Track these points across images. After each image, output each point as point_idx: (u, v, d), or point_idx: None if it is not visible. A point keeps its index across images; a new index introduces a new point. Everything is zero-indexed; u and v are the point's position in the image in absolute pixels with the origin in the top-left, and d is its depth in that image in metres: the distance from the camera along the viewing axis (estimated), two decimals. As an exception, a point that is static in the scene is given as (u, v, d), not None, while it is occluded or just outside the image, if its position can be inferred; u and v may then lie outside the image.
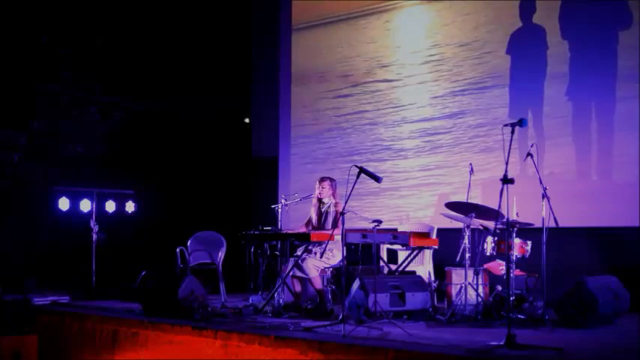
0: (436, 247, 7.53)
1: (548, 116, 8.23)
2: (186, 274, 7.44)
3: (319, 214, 7.65)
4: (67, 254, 9.59)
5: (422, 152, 9.14)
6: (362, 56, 9.74)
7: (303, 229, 7.62)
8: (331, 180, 7.63)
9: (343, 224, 6.32)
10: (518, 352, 4.97)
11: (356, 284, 6.68)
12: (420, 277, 7.17)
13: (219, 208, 10.37)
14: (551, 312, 6.32)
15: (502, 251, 6.50)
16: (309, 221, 7.73)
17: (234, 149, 11.13)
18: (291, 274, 7.31)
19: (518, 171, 7.72)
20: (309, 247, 7.35)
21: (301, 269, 7.27)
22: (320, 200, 7.65)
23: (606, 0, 8.00)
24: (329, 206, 7.58)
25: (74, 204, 9.41)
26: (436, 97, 9.09)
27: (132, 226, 10.07)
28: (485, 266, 6.95)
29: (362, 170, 6.32)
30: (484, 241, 6.65)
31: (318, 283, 7.33)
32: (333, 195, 7.58)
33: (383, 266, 7.69)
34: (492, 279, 7.04)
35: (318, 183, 7.63)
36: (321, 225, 7.57)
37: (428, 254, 7.82)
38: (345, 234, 6.52)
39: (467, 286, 6.68)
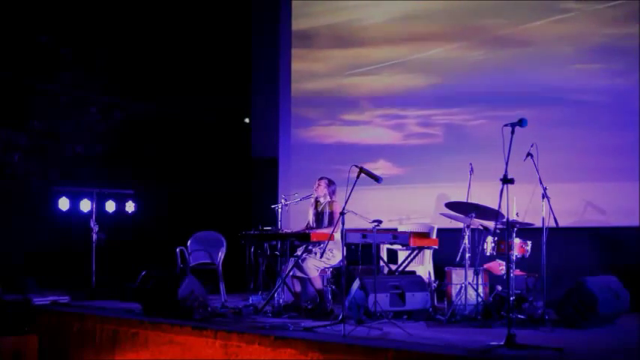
0: (436, 247, 7.53)
1: (548, 115, 8.22)
2: (186, 274, 7.44)
3: (316, 214, 7.66)
4: (67, 254, 9.59)
5: (422, 151, 9.15)
6: (362, 55, 9.73)
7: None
8: (329, 181, 7.63)
9: (343, 224, 6.32)
10: (518, 352, 4.97)
11: (356, 284, 6.68)
12: (420, 277, 7.17)
13: (219, 207, 10.37)
14: (551, 312, 6.32)
15: (502, 251, 6.51)
16: (308, 223, 7.74)
17: (234, 149, 11.12)
18: (291, 274, 7.32)
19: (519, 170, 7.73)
20: (309, 247, 7.35)
21: (301, 269, 7.27)
22: (317, 200, 7.65)
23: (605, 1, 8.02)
24: (324, 206, 7.59)
25: (74, 204, 9.41)
26: (437, 97, 9.09)
27: (132, 226, 10.07)
28: (485, 266, 6.96)
29: (362, 170, 6.32)
30: (484, 241, 6.65)
31: (318, 283, 7.33)
32: (330, 195, 7.58)
33: (383, 266, 7.69)
34: (492, 279, 7.04)
35: (317, 181, 7.65)
36: (318, 225, 7.57)
37: (428, 254, 7.83)
38: (345, 234, 6.52)
39: (467, 286, 6.68)
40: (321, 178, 7.65)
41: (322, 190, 7.59)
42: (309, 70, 10.15)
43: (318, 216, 7.62)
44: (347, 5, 9.87)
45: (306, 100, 10.15)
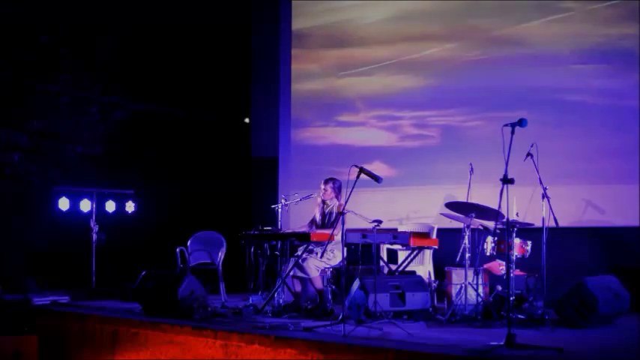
0: (436, 247, 7.53)
1: (546, 116, 8.21)
2: (186, 274, 7.44)
3: (323, 214, 7.66)
4: (67, 254, 9.59)
5: (422, 151, 9.14)
6: (361, 55, 9.72)
7: (306, 228, 7.62)
8: (334, 181, 7.60)
9: (343, 224, 6.32)
10: (518, 352, 4.97)
11: (356, 284, 6.68)
12: (420, 277, 7.17)
13: (219, 207, 10.37)
14: (551, 312, 6.33)
15: (502, 251, 6.51)
16: (314, 220, 7.73)
17: (234, 149, 11.12)
18: (291, 274, 7.32)
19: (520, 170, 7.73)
20: (310, 247, 7.35)
21: (302, 269, 7.27)
22: (324, 201, 7.65)
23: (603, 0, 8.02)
24: (332, 207, 7.59)
25: (74, 204, 9.41)
26: (432, 98, 9.09)
27: (132, 226, 10.07)
28: (485, 266, 6.96)
29: (362, 170, 6.31)
30: (484, 241, 6.66)
31: (318, 283, 7.33)
32: (337, 196, 7.57)
33: (383, 266, 7.69)
34: (492, 279, 7.05)
35: (322, 184, 7.63)
36: (324, 225, 7.57)
37: (428, 254, 7.83)
38: (345, 234, 6.52)
39: (467, 286, 6.68)
40: (325, 182, 7.61)
41: (330, 194, 7.58)
42: (305, 71, 10.14)
43: (325, 216, 7.62)
44: (343, 5, 9.86)
45: (303, 100, 10.14)
